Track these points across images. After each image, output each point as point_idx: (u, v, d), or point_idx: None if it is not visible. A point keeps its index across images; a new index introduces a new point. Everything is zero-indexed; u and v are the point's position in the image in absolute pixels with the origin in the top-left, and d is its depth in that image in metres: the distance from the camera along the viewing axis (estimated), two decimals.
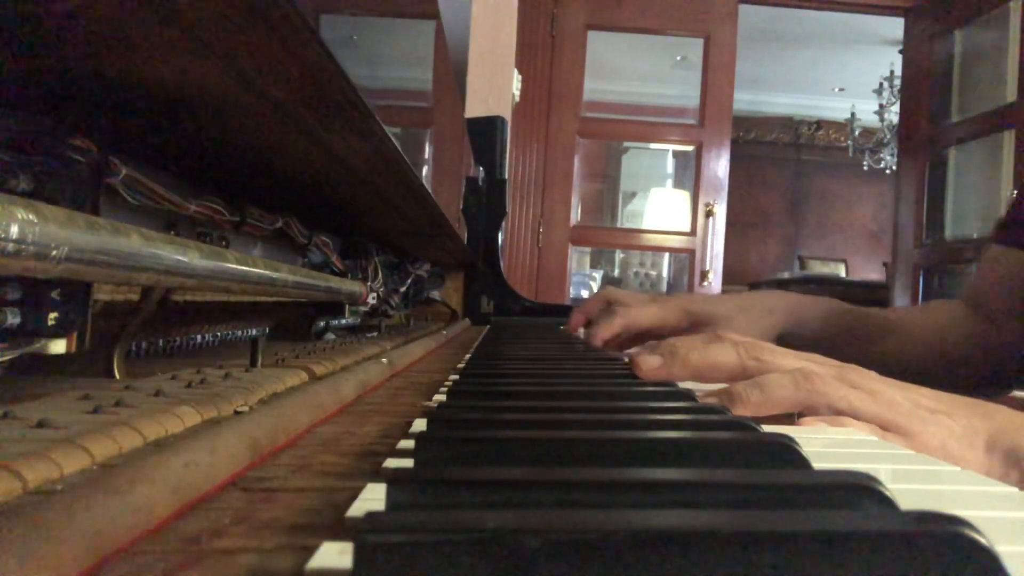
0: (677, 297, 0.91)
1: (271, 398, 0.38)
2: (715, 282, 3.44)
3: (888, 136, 5.45)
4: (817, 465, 0.26)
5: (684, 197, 4.28)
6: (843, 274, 6.09)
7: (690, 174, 3.67)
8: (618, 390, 0.47)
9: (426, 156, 0.90)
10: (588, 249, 5.22)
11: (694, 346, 0.51)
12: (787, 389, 0.43)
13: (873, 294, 4.74)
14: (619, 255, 5.89)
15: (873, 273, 5.86)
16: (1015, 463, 0.42)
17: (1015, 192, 0.89)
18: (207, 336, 0.68)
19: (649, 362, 0.51)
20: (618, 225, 5.88)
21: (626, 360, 0.56)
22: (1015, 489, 0.27)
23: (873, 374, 0.45)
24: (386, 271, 1.07)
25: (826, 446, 0.35)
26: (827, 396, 0.42)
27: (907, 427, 0.42)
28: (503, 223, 1.82)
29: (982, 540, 0.15)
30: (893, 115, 5.08)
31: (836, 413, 0.42)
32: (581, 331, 0.99)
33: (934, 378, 0.45)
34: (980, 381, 0.82)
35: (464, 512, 0.17)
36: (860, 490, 0.20)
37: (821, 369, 0.45)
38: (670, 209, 5.22)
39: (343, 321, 0.95)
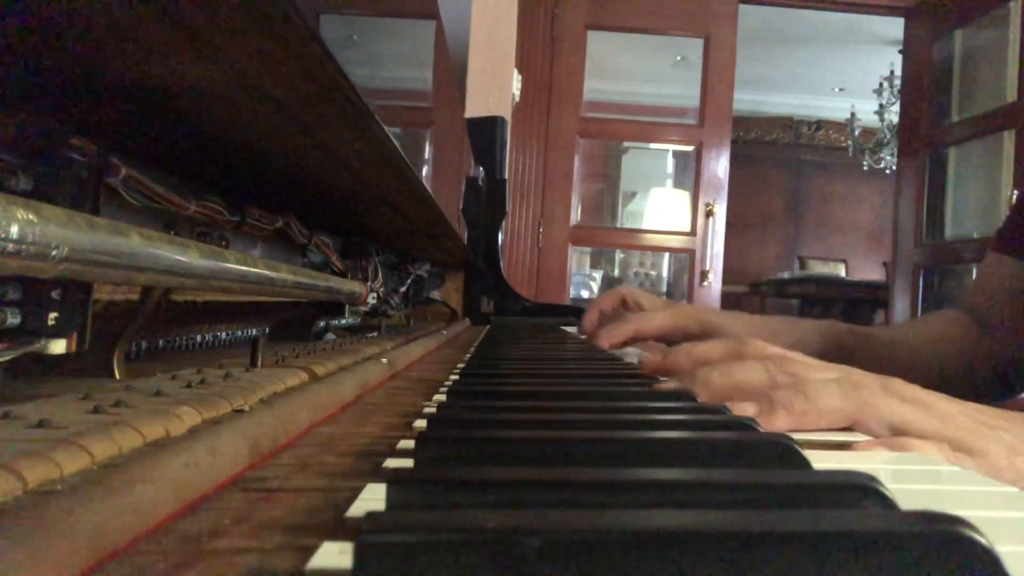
0: (692, 307, 0.88)
1: (271, 398, 0.38)
2: (715, 282, 3.44)
3: (888, 136, 5.45)
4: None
5: (684, 197, 4.28)
6: (843, 274, 6.09)
7: (690, 174, 3.67)
8: (618, 390, 0.47)
9: (426, 156, 0.90)
10: (588, 249, 5.21)
11: (715, 365, 0.45)
12: (836, 398, 0.38)
13: (873, 294, 4.75)
14: (619, 255, 5.89)
15: (873, 273, 5.86)
16: None
17: (1013, 194, 0.89)
18: (207, 336, 0.68)
19: (667, 387, 0.46)
20: (618, 225, 5.88)
21: (625, 360, 0.55)
22: (1015, 489, 0.27)
23: (917, 387, 0.41)
24: (386, 271, 1.07)
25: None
26: (878, 408, 0.38)
27: (971, 445, 0.38)
28: (503, 223, 1.82)
29: (982, 540, 0.15)
30: (893, 115, 5.08)
31: (889, 427, 0.38)
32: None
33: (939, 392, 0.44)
34: (982, 392, 0.82)
35: (464, 512, 0.17)
36: (860, 490, 0.20)
37: (866, 379, 0.41)
38: (670, 209, 5.22)
39: (343, 321, 0.95)
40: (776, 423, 0.37)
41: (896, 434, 0.38)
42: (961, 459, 0.37)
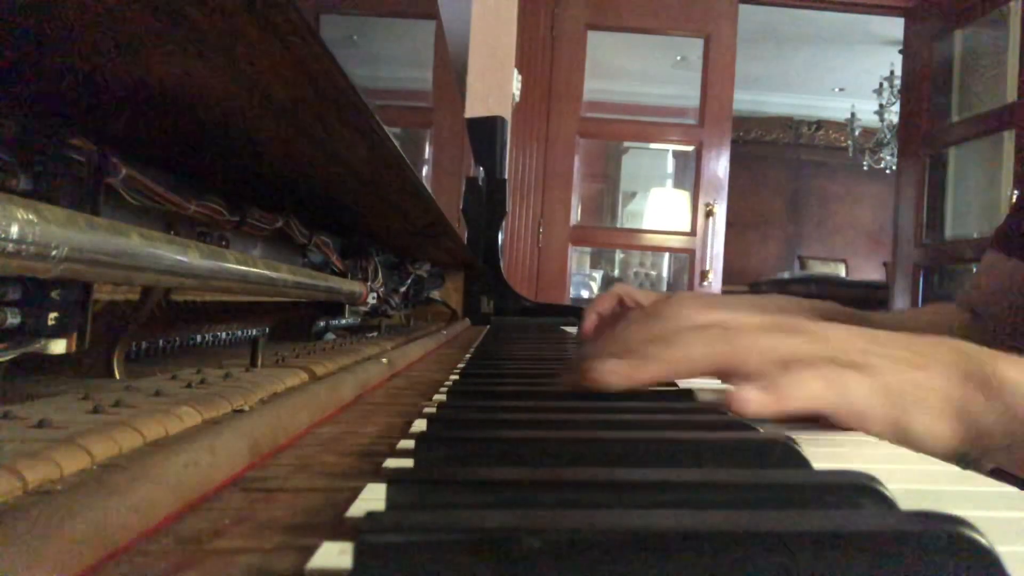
0: (686, 294, 0.84)
1: (271, 398, 0.38)
2: (715, 282, 3.44)
3: (888, 136, 5.46)
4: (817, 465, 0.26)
5: (684, 197, 4.28)
6: (843, 274, 6.09)
7: (690, 174, 3.67)
8: None
9: (426, 156, 0.90)
10: (588, 249, 5.22)
11: (644, 352, 0.40)
12: (704, 344, 0.37)
13: (873, 294, 4.75)
14: (619, 255, 5.89)
15: (873, 273, 5.86)
16: (989, 388, 0.38)
17: (1014, 194, 0.88)
18: (207, 336, 0.68)
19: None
20: (618, 225, 5.89)
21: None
22: (1015, 489, 0.27)
23: (812, 321, 0.40)
24: (386, 271, 1.07)
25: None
26: (754, 347, 0.37)
27: (856, 360, 0.38)
28: (503, 223, 1.82)
29: (982, 540, 0.15)
30: (893, 115, 5.09)
31: (771, 363, 0.37)
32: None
33: None
34: None
35: (464, 512, 0.17)
36: (860, 490, 0.20)
37: (751, 320, 0.40)
38: (670, 209, 5.22)
39: (343, 321, 0.95)
40: (645, 374, 0.37)
41: (782, 367, 0.37)
42: (846, 375, 0.37)
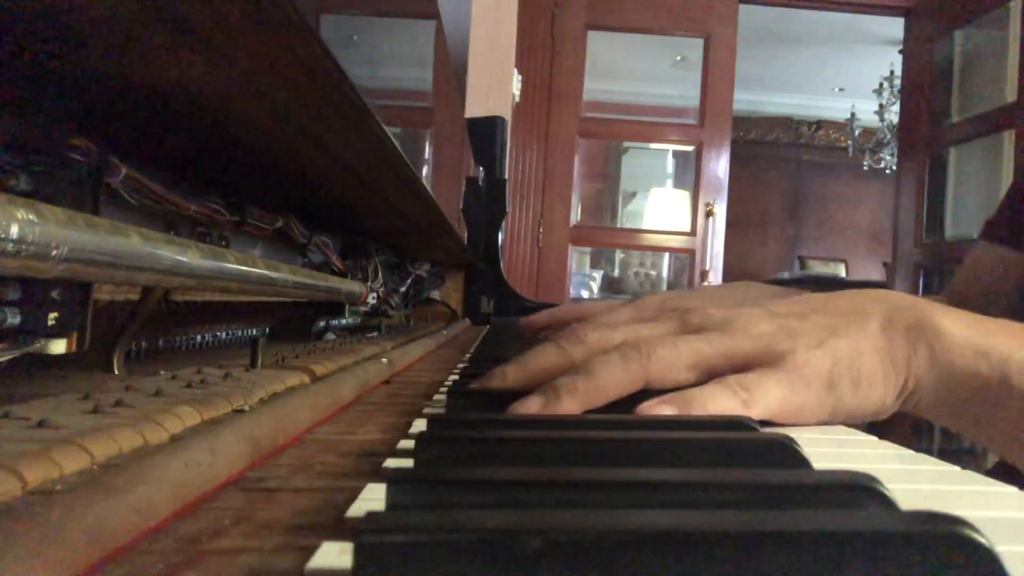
0: (655, 296, 0.79)
1: (271, 398, 0.38)
2: (715, 282, 3.44)
3: (888, 136, 5.45)
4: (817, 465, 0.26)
5: (684, 197, 4.28)
6: (843, 274, 6.08)
7: (690, 174, 3.67)
8: None
9: (426, 156, 0.90)
10: (588, 249, 5.22)
11: (513, 361, 0.40)
12: (616, 366, 0.36)
13: None
14: (619, 255, 5.89)
15: (873, 273, 5.85)
16: (919, 336, 0.37)
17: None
18: (207, 336, 0.68)
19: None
20: (618, 225, 5.89)
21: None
22: (1015, 489, 0.27)
23: (721, 309, 0.39)
24: (386, 271, 1.07)
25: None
26: (667, 357, 0.36)
27: (774, 349, 0.37)
28: (503, 223, 1.82)
29: (982, 540, 0.15)
30: (893, 115, 5.08)
31: (689, 368, 0.37)
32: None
33: None
34: None
35: (464, 512, 0.17)
36: (860, 490, 0.20)
37: (655, 328, 0.39)
38: (670, 209, 5.22)
39: (343, 321, 0.95)
40: (563, 409, 0.35)
41: (701, 372, 0.37)
42: (757, 380, 0.36)
